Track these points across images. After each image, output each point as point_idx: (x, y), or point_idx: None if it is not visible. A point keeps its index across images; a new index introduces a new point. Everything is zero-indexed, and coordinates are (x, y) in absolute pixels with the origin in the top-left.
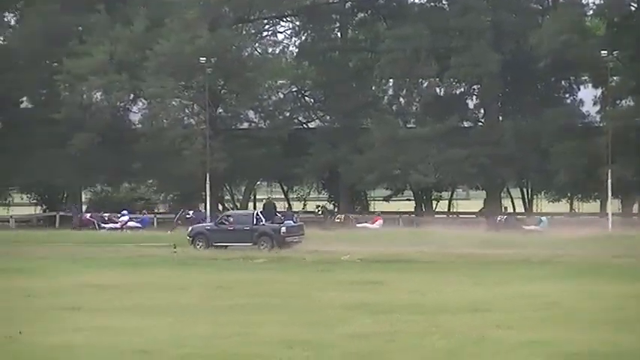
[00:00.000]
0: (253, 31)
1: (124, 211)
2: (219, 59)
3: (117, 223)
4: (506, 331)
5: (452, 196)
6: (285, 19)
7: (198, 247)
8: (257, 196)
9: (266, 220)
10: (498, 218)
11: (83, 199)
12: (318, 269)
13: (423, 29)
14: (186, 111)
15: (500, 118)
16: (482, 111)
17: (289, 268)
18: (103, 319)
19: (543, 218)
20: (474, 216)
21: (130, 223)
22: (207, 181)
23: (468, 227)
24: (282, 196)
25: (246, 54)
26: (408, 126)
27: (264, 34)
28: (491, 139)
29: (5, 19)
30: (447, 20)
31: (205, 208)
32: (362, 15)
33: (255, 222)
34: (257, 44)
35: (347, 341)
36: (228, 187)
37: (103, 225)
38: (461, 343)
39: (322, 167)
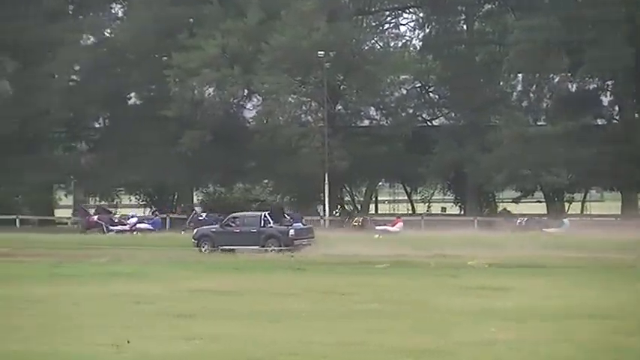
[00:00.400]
0: (374, 24)
1: (132, 213)
2: (337, 53)
3: (126, 225)
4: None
5: (585, 197)
6: (407, 11)
7: (203, 250)
8: (378, 198)
9: (274, 222)
10: (518, 221)
11: (195, 201)
12: (443, 274)
13: (554, 20)
14: (303, 108)
15: (637, 115)
16: (616, 108)
17: (411, 273)
18: (216, 327)
19: (565, 220)
20: (611, 218)
21: (141, 225)
22: (326, 182)
23: (599, 229)
24: (405, 198)
25: (367, 47)
26: (539, 124)
27: (386, 26)
28: (626, 138)
29: (112, 11)
30: (579, 11)
31: (324, 211)
32: (489, 6)
33: (262, 224)
34: (378, 37)
35: (470, 349)
36: (347, 188)
37: (111, 227)
38: (589, 351)
39: (447, 167)
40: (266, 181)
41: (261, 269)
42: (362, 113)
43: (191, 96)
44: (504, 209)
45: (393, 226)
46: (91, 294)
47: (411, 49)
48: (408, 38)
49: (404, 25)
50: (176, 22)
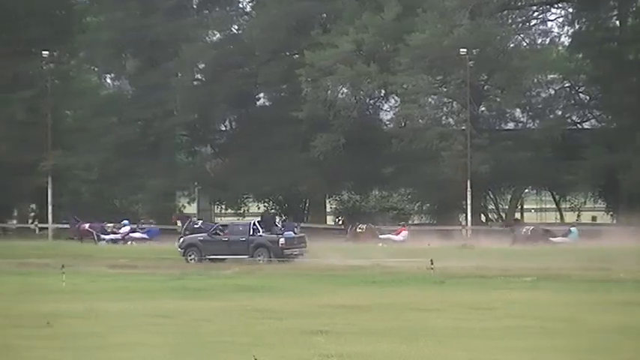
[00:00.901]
0: (520, 20)
1: (125, 221)
2: (481, 51)
3: (118, 234)
4: None
5: None
6: (556, 6)
7: (190, 260)
8: (524, 206)
9: (264, 231)
10: (524, 230)
11: (328, 209)
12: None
13: None
14: (444, 109)
15: None
16: None
17: (557, 287)
18: (351, 344)
19: (573, 229)
20: None
21: (136, 234)
22: (468, 188)
23: None
24: (554, 206)
25: (512, 45)
26: None
27: (533, 22)
28: None
29: (240, 5)
30: None
31: (466, 219)
32: None
33: (251, 232)
34: (524, 34)
35: None
36: (491, 196)
37: (102, 236)
38: None
39: (599, 173)
40: (404, 188)
41: (397, 282)
42: (507, 115)
43: (324, 96)
44: None
45: (397, 234)
46: (217, 309)
47: (560, 46)
48: (556, 35)
49: (552, 21)
50: (308, 17)
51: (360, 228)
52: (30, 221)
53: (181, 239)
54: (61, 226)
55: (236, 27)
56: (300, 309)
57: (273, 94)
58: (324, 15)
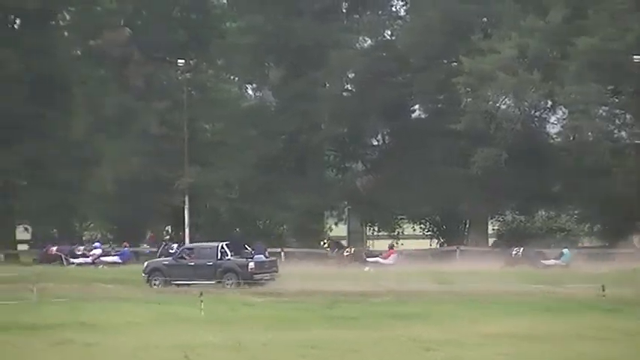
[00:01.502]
0: None
1: (96, 244)
2: None
3: (88, 257)
4: None
5: None
6: None
7: (154, 285)
8: None
9: (233, 254)
10: (514, 252)
11: (490, 231)
12: None
13: None
14: (616, 121)
15: None
16: None
17: None
18: None
19: (565, 250)
20: None
21: (107, 258)
22: None
23: None
24: None
25: None
26: None
27: None
28: None
29: (393, 9)
30: None
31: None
32: None
33: (219, 256)
34: None
35: None
36: None
37: (72, 260)
38: None
39: None
40: (571, 207)
41: (563, 310)
42: None
43: (484, 107)
44: None
45: (385, 258)
46: (368, 338)
47: None
48: None
49: None
50: (467, 21)
51: (346, 251)
52: (164, 244)
53: (145, 263)
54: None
55: (389, 32)
56: (459, 338)
57: (429, 105)
58: (485, 19)
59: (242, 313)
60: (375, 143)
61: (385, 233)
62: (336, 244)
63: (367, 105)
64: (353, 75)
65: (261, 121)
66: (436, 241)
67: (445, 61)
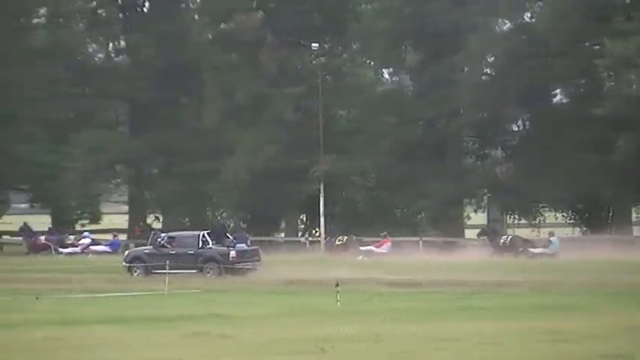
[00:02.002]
0: None
1: (85, 234)
2: None
3: (77, 246)
4: None
5: None
6: None
7: (135, 274)
8: None
9: (214, 243)
10: (502, 240)
11: (634, 219)
12: None
13: None
14: None
15: None
16: None
17: None
18: None
19: (553, 239)
20: None
21: (96, 247)
22: None
23: None
24: None
25: None
26: None
27: None
28: None
29: None
30: None
31: None
32: None
33: (200, 245)
34: None
35: None
36: None
37: (60, 249)
38: None
39: None
40: None
41: None
42: None
43: (628, 91)
44: None
45: (378, 247)
46: (508, 330)
47: None
48: None
49: None
50: (608, 3)
51: (339, 239)
52: (300, 234)
53: (126, 252)
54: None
55: (528, 15)
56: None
57: (571, 90)
58: (626, 0)
59: (377, 304)
60: (515, 129)
61: (526, 222)
62: (330, 232)
63: (507, 90)
64: (492, 59)
65: (398, 107)
66: (578, 229)
67: (587, 44)
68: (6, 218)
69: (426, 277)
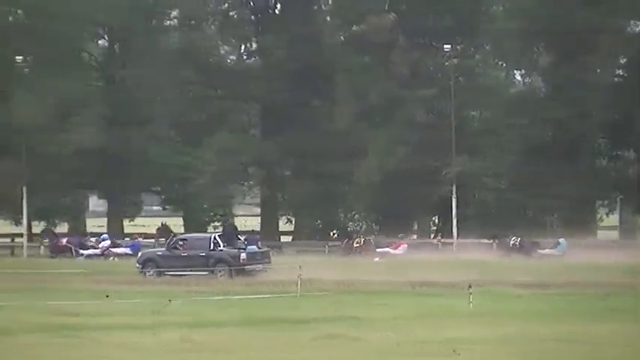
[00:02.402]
0: None
1: (104, 236)
2: None
3: (98, 248)
4: None
5: None
6: None
7: (148, 275)
8: None
9: (225, 245)
10: (512, 241)
11: None
12: None
13: None
14: None
15: None
16: None
17: None
18: None
19: (561, 240)
20: None
21: (118, 249)
22: None
23: None
24: None
25: None
26: None
27: None
28: None
29: None
30: None
31: None
32: None
33: (211, 247)
34: None
35: None
36: None
37: (81, 251)
38: None
39: None
40: None
41: None
42: None
43: None
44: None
45: (395, 248)
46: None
47: None
48: None
49: None
50: None
51: (357, 242)
52: (432, 235)
53: (139, 254)
54: (466, 240)
55: None
56: None
57: None
58: None
59: (510, 305)
60: None
61: None
62: (346, 234)
63: (638, 91)
64: (625, 60)
65: (530, 108)
66: None
67: None
68: (139, 220)
69: (556, 279)
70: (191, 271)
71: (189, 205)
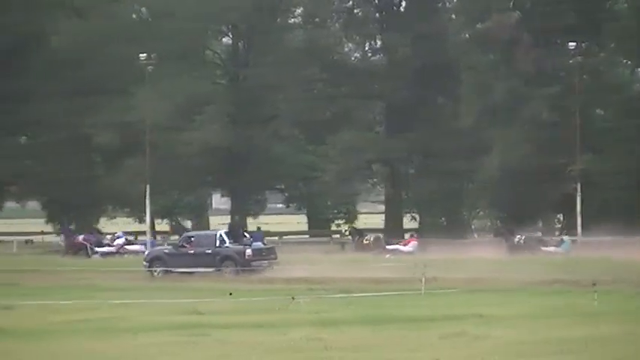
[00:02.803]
0: None
1: (119, 233)
2: None
3: (112, 246)
4: None
5: None
6: None
7: (155, 274)
8: None
9: (231, 242)
10: (517, 238)
11: None
12: None
13: None
14: None
15: None
16: None
17: None
18: None
19: (565, 238)
20: None
21: (132, 247)
22: None
23: None
24: None
25: None
26: None
27: None
28: None
29: None
30: None
31: None
32: None
33: (218, 244)
34: None
35: None
36: None
37: (96, 249)
38: None
39: None
40: None
41: None
42: None
43: None
44: None
45: (405, 245)
46: None
47: None
48: None
49: None
50: None
51: (366, 239)
52: (557, 233)
53: (146, 252)
54: (589, 239)
55: None
56: None
57: None
58: None
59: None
60: None
61: None
62: (357, 231)
63: None
64: None
65: None
66: None
67: None
68: (262, 218)
69: None
70: (198, 268)
71: (313, 202)
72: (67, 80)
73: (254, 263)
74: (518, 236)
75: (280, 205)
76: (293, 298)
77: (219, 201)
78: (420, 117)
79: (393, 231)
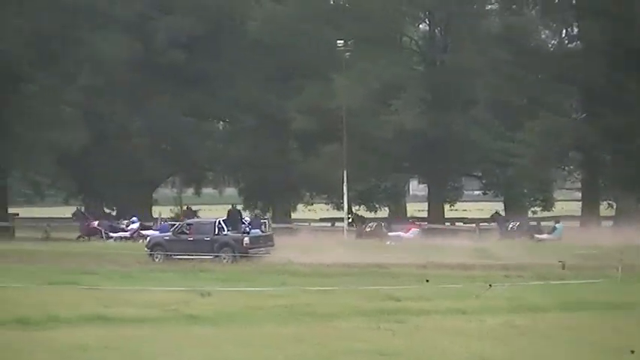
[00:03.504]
0: None
1: (134, 218)
2: None
3: (127, 231)
4: None
5: None
6: None
7: (156, 260)
8: None
9: (230, 229)
10: (510, 225)
11: None
12: None
13: None
14: None
15: None
16: None
17: None
18: None
19: (558, 225)
20: None
21: (147, 232)
22: None
23: None
24: None
25: None
26: None
27: None
28: None
29: None
30: None
31: None
32: None
33: (216, 231)
34: None
35: None
36: None
37: (111, 234)
38: None
39: None
40: None
41: None
42: None
43: None
44: None
45: (406, 232)
46: None
47: None
48: None
49: None
50: None
51: (369, 226)
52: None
53: (148, 238)
54: None
55: None
56: None
57: None
58: None
59: None
60: None
61: None
62: (359, 218)
63: None
64: None
65: None
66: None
67: None
68: (459, 205)
69: None
70: (197, 254)
71: (510, 189)
72: (264, 65)
73: (252, 250)
74: (512, 222)
75: (477, 192)
76: (490, 285)
77: (416, 187)
78: (617, 103)
79: (590, 218)
